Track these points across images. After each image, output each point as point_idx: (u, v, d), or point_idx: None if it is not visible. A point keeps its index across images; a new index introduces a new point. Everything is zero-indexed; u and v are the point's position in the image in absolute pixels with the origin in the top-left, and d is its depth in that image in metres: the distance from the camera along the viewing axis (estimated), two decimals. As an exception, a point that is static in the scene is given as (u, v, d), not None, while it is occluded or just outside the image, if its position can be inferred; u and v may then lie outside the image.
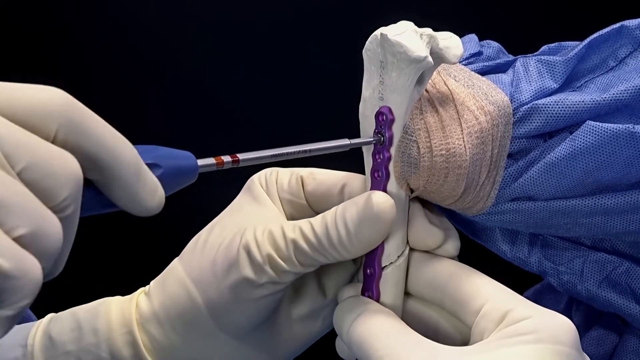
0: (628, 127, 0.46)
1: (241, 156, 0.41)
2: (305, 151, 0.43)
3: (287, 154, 0.43)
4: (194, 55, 1.10)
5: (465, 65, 0.50)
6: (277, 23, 1.06)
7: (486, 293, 0.44)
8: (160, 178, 0.37)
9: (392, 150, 0.46)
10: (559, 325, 0.42)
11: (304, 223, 0.46)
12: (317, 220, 0.46)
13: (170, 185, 0.38)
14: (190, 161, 0.39)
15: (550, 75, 0.49)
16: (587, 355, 0.43)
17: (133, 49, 1.10)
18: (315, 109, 1.06)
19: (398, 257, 0.47)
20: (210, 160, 0.40)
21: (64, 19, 1.10)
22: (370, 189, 0.47)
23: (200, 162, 0.39)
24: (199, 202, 1.09)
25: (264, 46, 1.07)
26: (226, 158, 0.40)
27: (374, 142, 0.46)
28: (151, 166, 0.37)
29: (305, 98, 1.08)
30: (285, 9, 1.06)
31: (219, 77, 1.10)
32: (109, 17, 1.10)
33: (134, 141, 0.37)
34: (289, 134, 1.08)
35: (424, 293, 0.47)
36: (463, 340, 0.46)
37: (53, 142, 0.33)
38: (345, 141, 0.45)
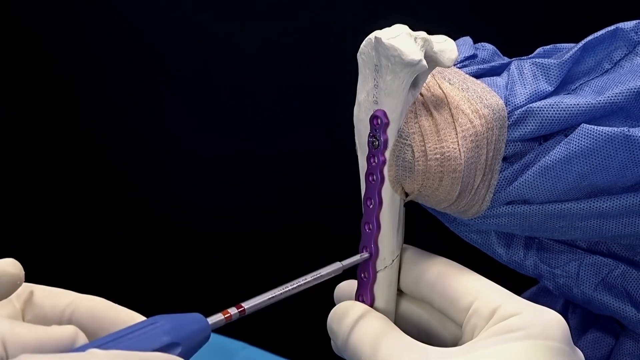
0: (623, 130, 0.46)
1: (246, 305, 0.43)
2: (302, 284, 0.44)
3: (288, 290, 0.44)
4: (184, 65, 1.10)
5: (459, 68, 0.50)
6: (271, 26, 1.06)
7: (474, 290, 0.44)
8: (182, 354, 0.39)
9: (387, 153, 0.46)
10: (549, 321, 0.41)
11: None
12: None
13: (190, 352, 0.40)
14: (202, 324, 0.40)
15: (545, 78, 0.49)
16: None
17: (140, 47, 1.10)
18: (310, 111, 1.06)
19: (393, 260, 0.47)
20: (219, 317, 0.41)
21: (71, 18, 1.10)
22: (365, 193, 0.47)
23: (210, 320, 0.41)
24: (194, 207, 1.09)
25: (256, 49, 1.07)
26: (233, 310, 0.42)
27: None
28: (171, 346, 0.38)
29: (300, 100, 1.08)
30: (279, 12, 1.06)
31: (216, 77, 1.10)
32: (113, 16, 1.11)
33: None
34: (284, 135, 1.08)
35: (413, 291, 0.47)
36: (454, 340, 0.46)
37: None
38: (338, 264, 0.46)
